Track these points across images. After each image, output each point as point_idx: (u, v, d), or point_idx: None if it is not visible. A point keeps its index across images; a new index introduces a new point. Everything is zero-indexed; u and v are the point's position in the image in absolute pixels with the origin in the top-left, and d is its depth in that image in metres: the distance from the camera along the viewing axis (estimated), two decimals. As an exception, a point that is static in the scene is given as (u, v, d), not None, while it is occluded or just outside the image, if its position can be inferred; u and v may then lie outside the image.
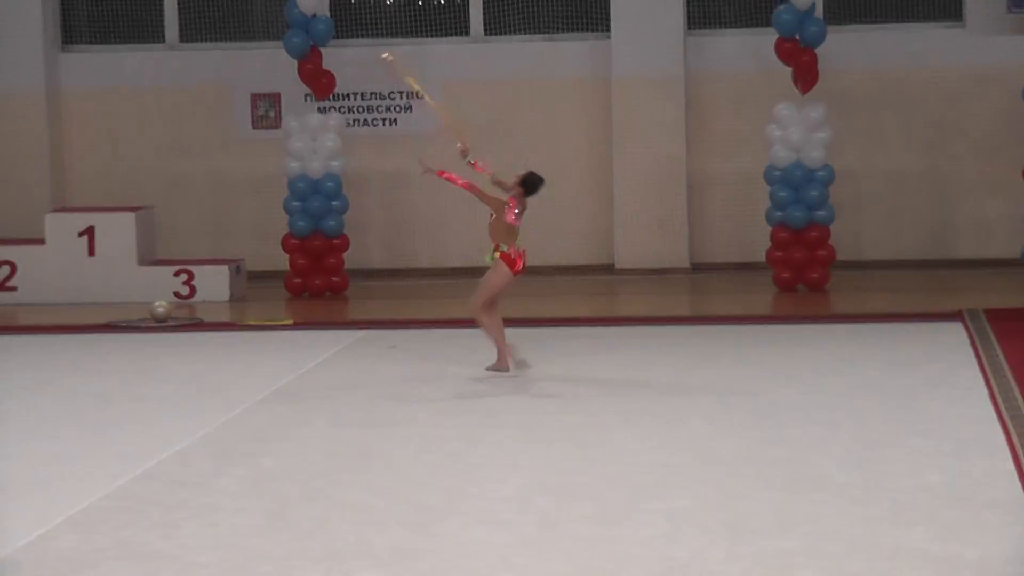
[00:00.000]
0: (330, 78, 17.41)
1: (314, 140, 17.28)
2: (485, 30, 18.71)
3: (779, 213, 16.84)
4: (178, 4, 18.91)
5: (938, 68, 18.12)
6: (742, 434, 10.19)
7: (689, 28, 18.38)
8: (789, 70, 16.86)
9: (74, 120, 19.00)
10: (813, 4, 16.75)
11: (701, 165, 18.37)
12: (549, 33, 18.68)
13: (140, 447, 10.15)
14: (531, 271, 17.52)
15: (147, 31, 19.01)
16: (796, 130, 16.68)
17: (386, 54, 13.23)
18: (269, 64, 18.41)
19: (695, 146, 18.34)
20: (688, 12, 18.36)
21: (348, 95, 18.51)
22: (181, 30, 18.95)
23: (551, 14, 18.70)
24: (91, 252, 17.08)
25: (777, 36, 16.82)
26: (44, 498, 8.95)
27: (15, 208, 18.61)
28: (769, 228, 17.03)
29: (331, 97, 17.98)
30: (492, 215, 12.22)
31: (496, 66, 18.58)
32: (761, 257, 17.30)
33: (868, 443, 9.84)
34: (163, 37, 18.98)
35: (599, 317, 15.81)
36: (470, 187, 12.22)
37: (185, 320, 15.63)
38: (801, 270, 16.80)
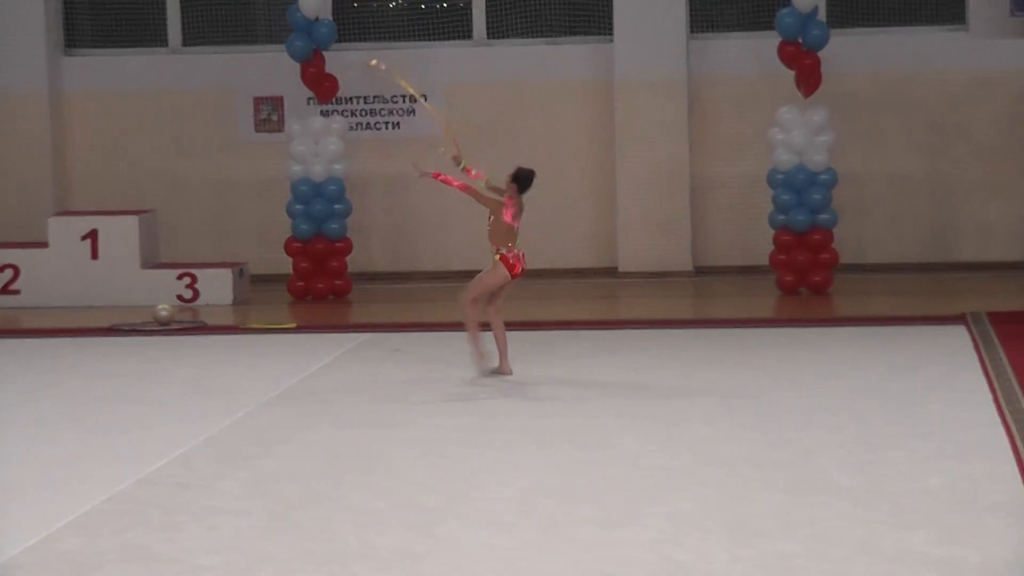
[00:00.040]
0: (333, 82, 17.41)
1: (317, 143, 17.29)
2: (488, 33, 18.72)
3: (782, 216, 16.84)
4: (181, 7, 18.91)
5: (941, 71, 18.12)
6: (744, 437, 10.19)
7: (691, 31, 18.39)
8: (792, 73, 16.86)
9: (77, 123, 19.01)
10: (816, 7, 16.75)
11: (704, 168, 18.36)
12: (551, 36, 18.69)
13: (143, 450, 10.16)
14: (534, 274, 17.54)
15: (150, 34, 19.02)
16: (799, 133, 16.68)
17: (373, 61, 13.27)
18: (272, 68, 18.42)
19: (698, 149, 18.34)
20: (690, 15, 18.36)
21: (351, 99, 18.51)
22: (184, 34, 18.96)
23: (553, 17, 18.70)
24: (94, 255, 17.09)
25: (780, 39, 16.82)
26: (47, 500, 8.95)
27: (18, 211, 18.62)
28: (772, 231, 17.02)
29: (334, 100, 17.99)
30: (491, 217, 12.24)
31: (498, 69, 18.59)
32: (764, 260, 17.30)
33: (870, 446, 9.84)
34: (166, 41, 18.99)
35: (601, 320, 15.80)
36: (466, 188, 12.25)
37: (188, 323, 15.64)
38: (804, 273, 16.80)
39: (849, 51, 17.86)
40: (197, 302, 16.92)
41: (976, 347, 13.11)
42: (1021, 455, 9.40)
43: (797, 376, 12.27)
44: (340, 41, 17.98)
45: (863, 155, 18.15)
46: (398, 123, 18.58)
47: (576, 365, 12.98)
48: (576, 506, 8.57)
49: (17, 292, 17.09)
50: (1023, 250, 18.00)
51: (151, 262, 17.31)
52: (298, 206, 17.31)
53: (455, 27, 18.75)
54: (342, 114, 18.27)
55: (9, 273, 17.09)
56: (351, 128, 18.15)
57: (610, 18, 18.38)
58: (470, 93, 18.45)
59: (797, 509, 8.39)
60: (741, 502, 8.57)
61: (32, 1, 18.63)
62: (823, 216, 16.80)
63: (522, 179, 12.25)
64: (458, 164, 12.40)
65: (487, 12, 18.66)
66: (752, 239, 18.05)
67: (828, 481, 8.98)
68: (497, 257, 12.23)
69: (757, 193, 17.77)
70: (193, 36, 18.97)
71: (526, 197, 12.35)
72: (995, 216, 18.16)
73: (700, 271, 18.35)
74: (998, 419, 10.46)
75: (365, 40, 18.69)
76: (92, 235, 17.09)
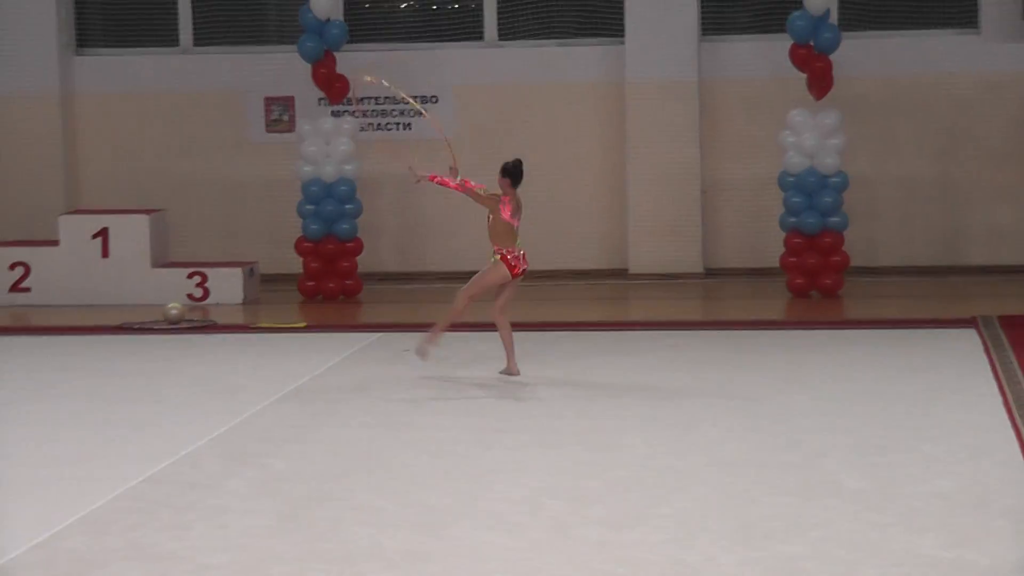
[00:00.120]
0: (344, 82, 17.42)
1: (327, 144, 17.29)
2: (499, 35, 18.71)
3: (793, 219, 16.82)
4: (192, 8, 18.93)
5: (953, 75, 18.10)
6: (753, 439, 10.18)
7: (703, 33, 18.37)
8: (803, 76, 16.84)
9: (88, 123, 19.02)
10: (828, 10, 16.73)
11: (715, 170, 18.35)
12: (563, 38, 18.68)
13: (151, 448, 10.17)
14: (544, 275, 17.57)
15: (161, 35, 19.03)
16: (810, 136, 16.66)
17: (369, 77, 13.35)
18: (283, 68, 18.43)
19: (709, 151, 18.32)
20: (702, 17, 18.34)
21: (361, 99, 18.50)
22: (195, 34, 18.97)
23: (565, 19, 18.70)
24: (105, 254, 17.11)
25: (791, 42, 16.81)
26: (54, 498, 8.96)
27: (29, 209, 18.65)
28: (782, 234, 17.00)
29: (344, 101, 17.99)
30: (490, 216, 12.25)
31: (509, 70, 18.58)
32: (774, 262, 17.28)
33: (880, 449, 9.82)
34: (177, 41, 19.00)
35: (611, 321, 15.79)
36: (463, 188, 12.26)
37: (198, 322, 15.65)
38: (814, 276, 16.78)
39: (861, 54, 17.85)
40: (207, 301, 16.94)
41: (986, 351, 13.09)
42: (1031, 459, 9.39)
43: (807, 378, 12.25)
44: (352, 42, 17.98)
45: (874, 158, 18.13)
46: (409, 124, 18.57)
47: (585, 366, 12.97)
48: (584, 507, 8.56)
49: (28, 290, 17.11)
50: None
51: (161, 261, 17.33)
52: (309, 206, 17.31)
53: (466, 28, 18.75)
54: (353, 115, 18.27)
55: (20, 271, 17.11)
56: (362, 129, 18.16)
57: (621, 20, 18.37)
58: (481, 94, 18.46)
59: (806, 511, 8.38)
60: (750, 504, 8.56)
61: (43, 1, 18.66)
62: (834, 219, 16.78)
63: (510, 171, 12.22)
64: (456, 176, 12.42)
65: (498, 13, 18.66)
66: (763, 241, 18.03)
67: (837, 484, 8.97)
68: (497, 257, 12.23)
69: (768, 195, 17.76)
70: (204, 36, 18.98)
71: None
72: (1006, 220, 18.13)
73: (710, 273, 18.33)
74: (1008, 423, 10.45)
75: (376, 41, 18.70)
76: (103, 234, 17.11)
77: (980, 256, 18.18)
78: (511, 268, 12.23)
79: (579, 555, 7.70)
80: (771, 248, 17.55)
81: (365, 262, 17.80)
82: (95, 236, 17.11)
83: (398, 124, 18.63)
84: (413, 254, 18.72)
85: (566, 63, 18.55)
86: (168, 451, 10.02)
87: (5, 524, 8.44)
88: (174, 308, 15.49)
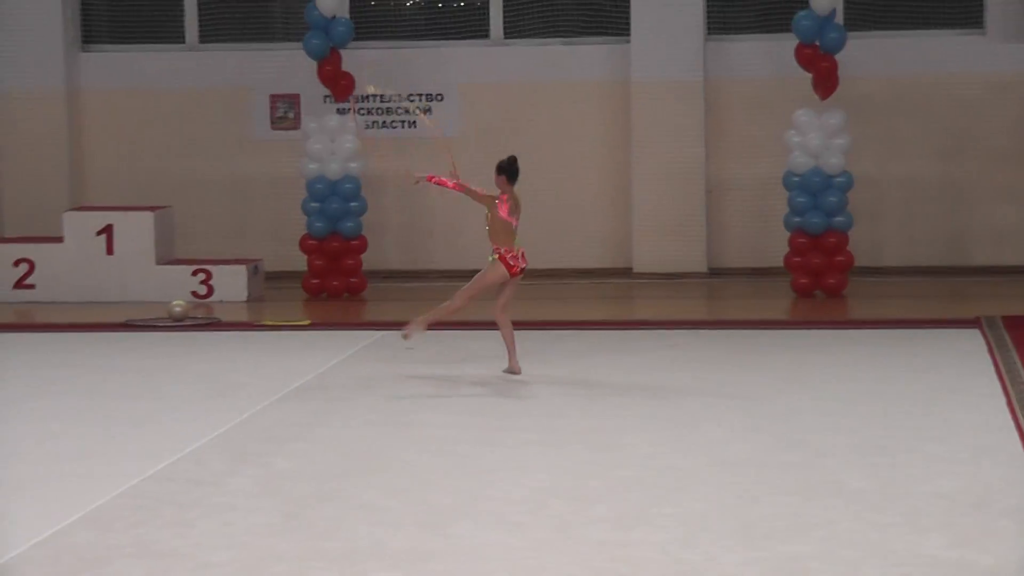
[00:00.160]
0: (349, 80, 17.43)
1: (332, 142, 17.30)
2: (504, 33, 18.72)
3: (797, 219, 16.82)
4: (198, 5, 18.95)
5: (958, 75, 18.10)
6: (757, 439, 10.18)
7: (708, 33, 18.38)
8: (808, 76, 16.83)
9: (93, 120, 19.04)
10: (833, 10, 16.73)
11: (719, 170, 18.36)
12: (568, 37, 18.69)
13: (155, 446, 10.17)
14: (548, 274, 17.58)
15: (167, 31, 19.05)
16: (815, 136, 16.66)
17: (371, 87, 13.42)
18: (288, 65, 18.45)
19: (713, 151, 18.33)
20: (707, 17, 18.35)
21: (367, 97, 18.52)
22: (201, 31, 18.98)
23: (570, 17, 18.71)
24: (109, 251, 17.12)
25: (797, 42, 16.80)
26: (58, 495, 8.97)
27: (34, 206, 18.67)
28: (787, 233, 17.01)
29: (349, 99, 18.00)
30: (488, 215, 12.26)
31: (515, 69, 18.59)
32: (779, 262, 17.29)
33: (883, 449, 9.82)
34: (183, 38, 19.02)
35: (615, 320, 15.79)
36: (460, 187, 12.28)
37: (202, 320, 15.66)
38: (819, 276, 16.78)
39: (866, 54, 17.85)
40: (211, 298, 16.95)
41: (990, 351, 13.09)
42: (1034, 460, 9.39)
43: (810, 378, 12.25)
44: (357, 39, 17.99)
45: (879, 158, 18.13)
46: (413, 122, 18.58)
47: (588, 365, 12.97)
48: (587, 506, 8.56)
49: (32, 287, 17.13)
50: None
51: (166, 258, 17.34)
52: (313, 204, 17.32)
53: (472, 26, 18.76)
54: (358, 112, 18.28)
55: (24, 267, 17.13)
56: (367, 126, 18.17)
57: (627, 19, 18.38)
58: (486, 92, 18.47)
59: (809, 511, 8.38)
60: (753, 504, 8.56)
61: (50, -2, 18.70)
62: (838, 219, 16.78)
63: (506, 168, 12.24)
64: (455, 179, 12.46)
65: (504, 11, 18.67)
66: (767, 241, 18.04)
67: (840, 484, 8.97)
68: (495, 256, 12.24)
69: (772, 195, 17.77)
70: (210, 33, 18.99)
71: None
72: (1010, 220, 18.13)
73: (715, 272, 18.34)
74: (1011, 423, 10.45)
75: (382, 38, 18.71)
76: (107, 230, 17.13)
77: (984, 256, 18.18)
78: (509, 267, 12.24)
79: (581, 554, 7.70)
80: (775, 248, 17.56)
81: (369, 260, 17.81)
82: (100, 233, 17.13)
83: (403, 122, 18.64)
84: (417, 252, 18.74)
85: (571, 62, 18.55)
86: (171, 448, 10.02)
87: (8, 521, 8.45)
88: (178, 305, 15.50)
